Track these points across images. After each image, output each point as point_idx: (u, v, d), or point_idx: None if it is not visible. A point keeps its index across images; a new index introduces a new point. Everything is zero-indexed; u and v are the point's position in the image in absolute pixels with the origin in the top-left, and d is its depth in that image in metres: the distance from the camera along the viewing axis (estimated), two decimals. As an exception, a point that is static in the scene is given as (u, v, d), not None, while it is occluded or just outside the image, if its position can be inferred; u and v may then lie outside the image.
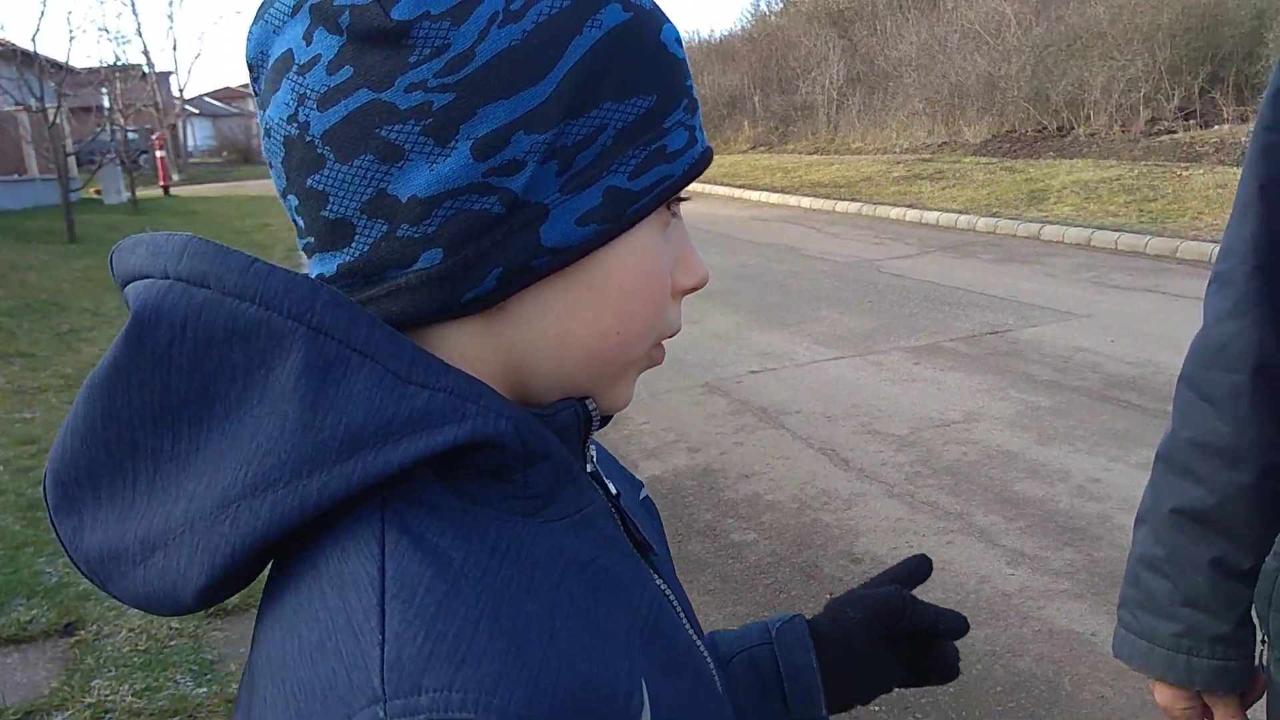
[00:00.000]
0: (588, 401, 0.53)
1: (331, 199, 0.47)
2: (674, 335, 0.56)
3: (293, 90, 0.47)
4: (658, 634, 0.51)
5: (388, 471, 0.43)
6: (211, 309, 0.43)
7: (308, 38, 0.46)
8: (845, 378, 5.49)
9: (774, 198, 14.27)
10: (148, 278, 0.45)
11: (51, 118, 12.93)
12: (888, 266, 8.59)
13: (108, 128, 18.16)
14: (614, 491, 0.58)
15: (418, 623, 0.40)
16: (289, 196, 0.49)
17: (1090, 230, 9.04)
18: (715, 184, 15.83)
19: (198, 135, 48.31)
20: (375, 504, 0.44)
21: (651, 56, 0.49)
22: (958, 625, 0.76)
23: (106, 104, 21.20)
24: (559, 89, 0.46)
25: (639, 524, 0.59)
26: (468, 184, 0.45)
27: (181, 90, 31.99)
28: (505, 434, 0.46)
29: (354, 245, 0.47)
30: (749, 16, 27.61)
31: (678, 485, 4.20)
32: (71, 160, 15.59)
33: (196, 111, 48.07)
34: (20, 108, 13.83)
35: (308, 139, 0.46)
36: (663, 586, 0.58)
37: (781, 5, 24.86)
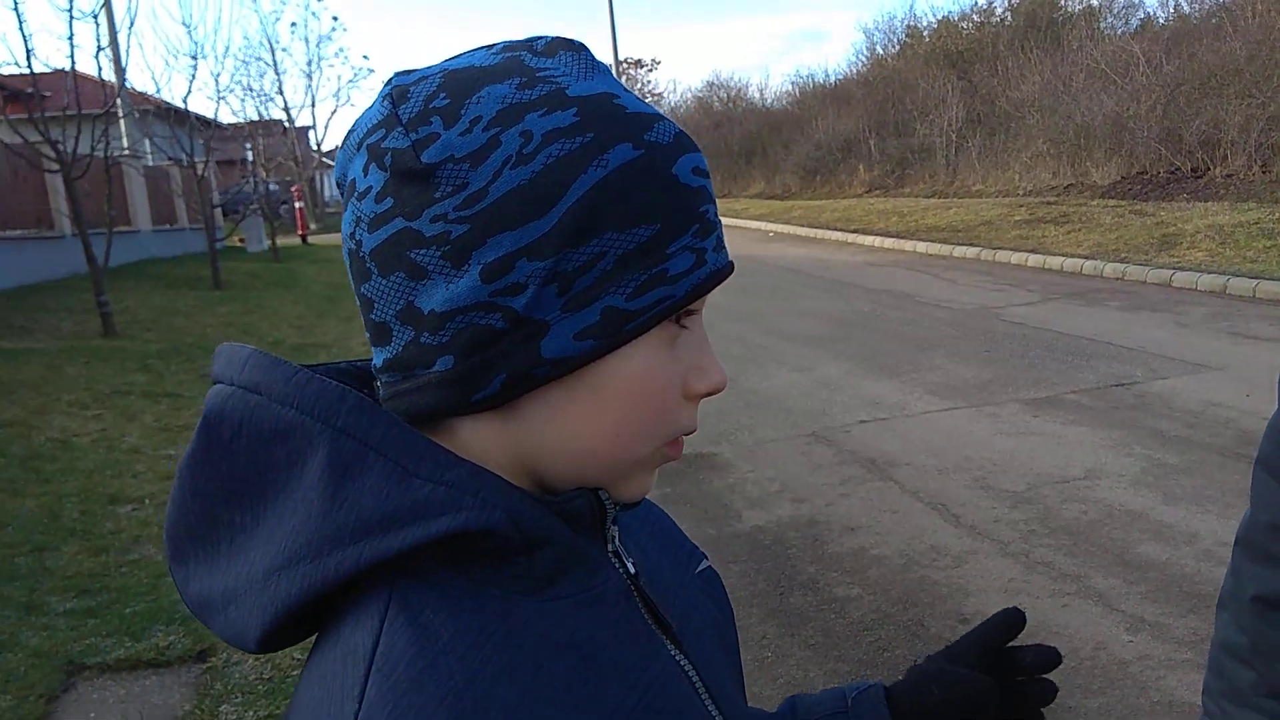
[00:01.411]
0: (601, 492, 0.58)
1: (375, 305, 0.55)
2: (689, 434, 0.60)
3: (353, 213, 0.56)
4: (653, 712, 0.55)
5: (388, 555, 0.50)
6: (260, 413, 0.53)
7: (365, 170, 0.55)
8: (959, 430, 5.37)
9: (889, 242, 14.10)
10: (221, 383, 0.55)
11: (200, 171, 13.90)
12: (1007, 314, 8.37)
13: (251, 180, 19.37)
14: (632, 571, 0.62)
15: (391, 695, 0.47)
16: (356, 297, 0.59)
17: (1226, 277, 8.61)
18: (828, 229, 15.76)
19: (331, 186, 51.12)
20: (387, 582, 0.52)
21: (659, 189, 0.54)
22: (1049, 684, 0.78)
23: (250, 158, 22.65)
24: (560, 222, 0.52)
25: (664, 600, 0.63)
26: (476, 302, 0.52)
27: (319, 144, 33.81)
28: (498, 525, 0.52)
29: (391, 345, 0.55)
30: (863, 59, 27.43)
31: (781, 536, 4.18)
32: (217, 211, 16.71)
33: (331, 164, 50.73)
34: (172, 162, 14.89)
35: (361, 254, 0.55)
36: (682, 663, 0.61)
37: (898, 48, 24.70)
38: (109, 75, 11.98)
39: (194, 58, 13.85)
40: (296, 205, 23.80)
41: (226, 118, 20.30)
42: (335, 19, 61.80)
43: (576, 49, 0.57)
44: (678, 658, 0.61)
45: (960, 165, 17.81)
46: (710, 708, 0.62)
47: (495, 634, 0.51)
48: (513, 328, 0.53)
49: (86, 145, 9.07)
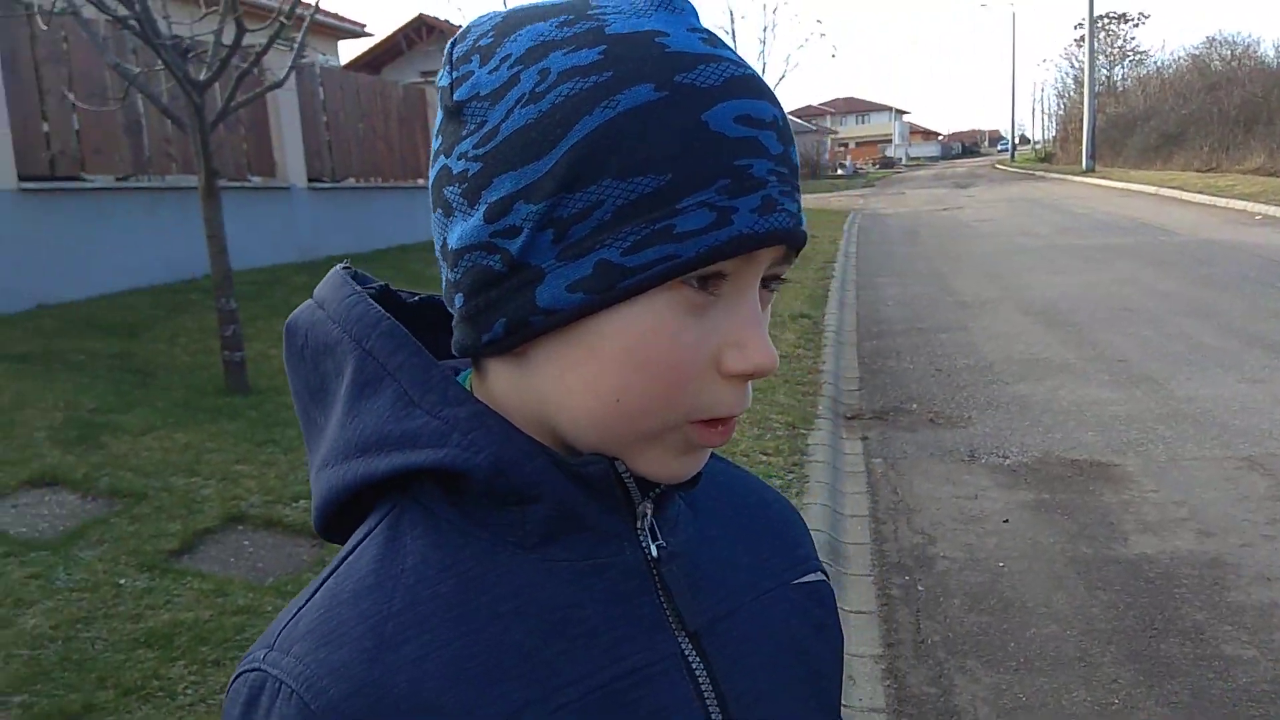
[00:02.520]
0: (617, 462, 0.54)
1: (435, 239, 0.57)
2: (729, 417, 0.54)
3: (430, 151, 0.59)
4: (623, 703, 0.53)
5: (373, 475, 0.53)
6: (319, 327, 0.58)
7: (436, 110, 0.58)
8: None
9: None
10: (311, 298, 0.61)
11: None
12: None
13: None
14: (654, 554, 0.58)
15: (330, 603, 0.52)
16: None
17: None
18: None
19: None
20: (396, 499, 0.55)
21: (675, 136, 0.49)
22: None
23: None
24: (557, 165, 0.50)
25: (696, 594, 0.59)
26: (479, 242, 0.52)
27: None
28: (476, 469, 0.52)
29: (443, 279, 0.57)
30: None
31: (1171, 571, 3.55)
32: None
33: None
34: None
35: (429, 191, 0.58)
36: (692, 662, 0.57)
37: None
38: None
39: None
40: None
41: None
42: (795, -16, 62.53)
43: None
44: (689, 655, 0.57)
45: None
46: (714, 716, 0.57)
47: (462, 574, 0.53)
48: (510, 271, 0.52)
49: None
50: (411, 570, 0.52)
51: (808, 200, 26.55)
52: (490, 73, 0.52)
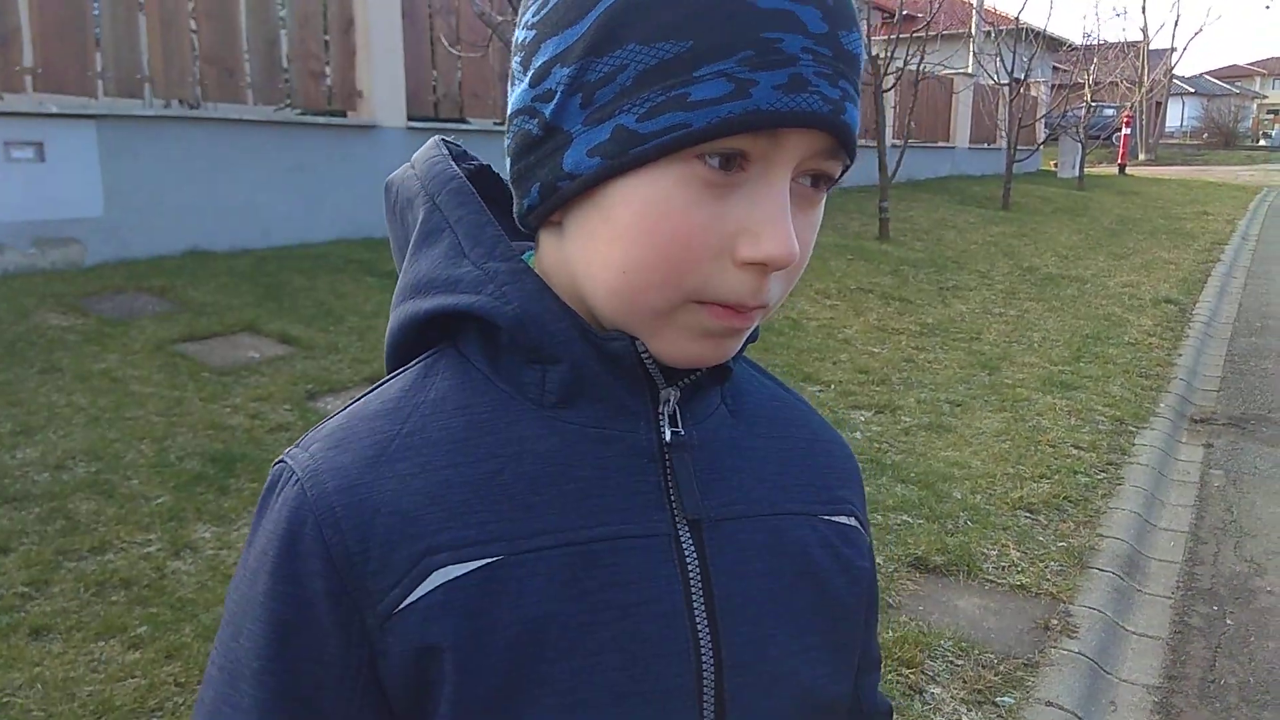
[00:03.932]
0: (637, 342, 0.55)
1: None
2: (751, 306, 0.53)
3: None
4: (598, 564, 0.54)
5: (418, 315, 0.58)
6: (408, 183, 0.63)
7: None
8: None
9: None
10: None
11: (1017, 91, 13.84)
12: None
13: (1086, 104, 18.61)
14: (667, 440, 0.58)
15: (352, 417, 0.57)
16: None
17: None
18: None
19: (1185, 114, 46.16)
20: (448, 342, 0.59)
21: (706, 4, 0.48)
22: None
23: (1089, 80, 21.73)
24: (589, 29, 0.50)
25: (701, 486, 0.59)
26: (523, 106, 0.54)
27: (1170, 69, 30.66)
28: (501, 316, 0.55)
29: None
30: None
31: None
32: (1038, 132, 16.55)
33: (1191, 90, 45.82)
34: (1004, 83, 15.03)
35: None
36: (686, 548, 0.57)
37: None
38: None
39: (1035, -27, 13.56)
40: (1124, 132, 22.26)
41: (1079, 38, 19.63)
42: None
43: None
44: (684, 540, 0.57)
45: None
46: (697, 608, 0.56)
47: (474, 415, 0.56)
48: (545, 135, 0.53)
49: (917, 63, 9.80)
50: (430, 403, 0.57)
51: (1211, 172, 23.18)
52: None
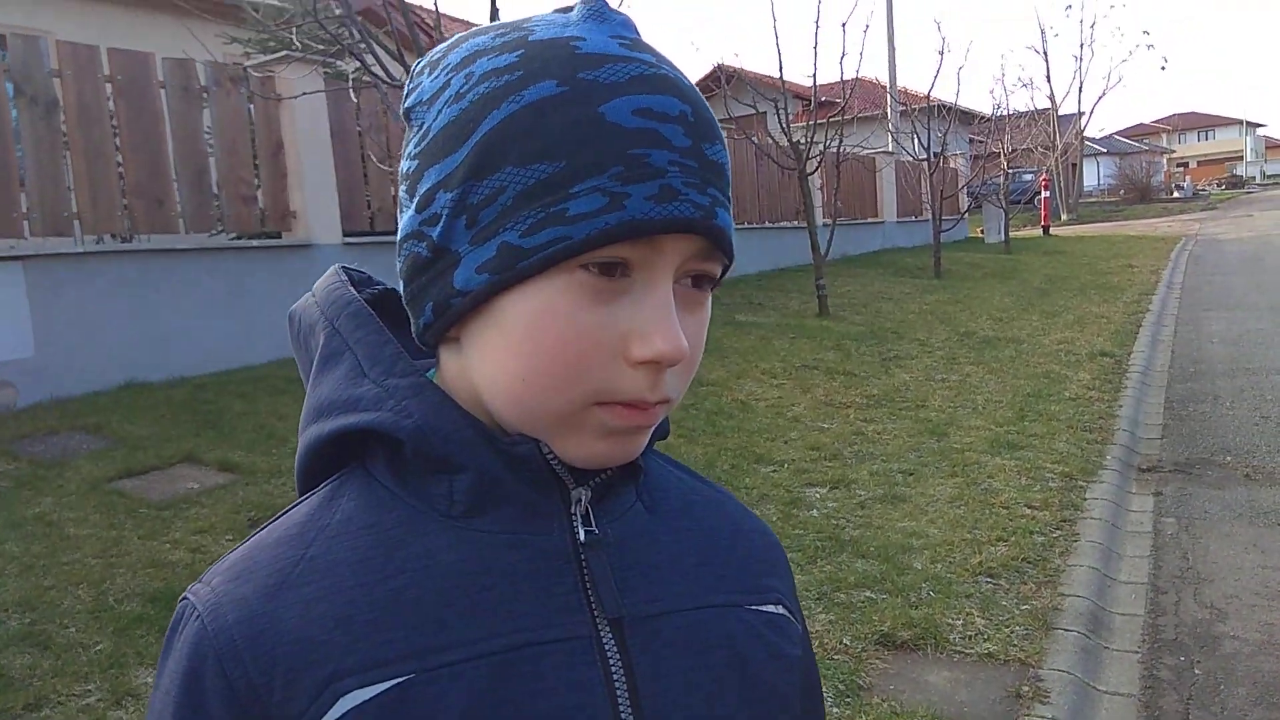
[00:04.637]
0: (542, 444, 0.56)
1: None
2: (651, 401, 0.55)
3: None
4: (516, 674, 0.54)
5: (321, 438, 0.59)
6: (308, 310, 0.65)
7: None
8: None
9: None
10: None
11: (934, 165, 14.36)
12: None
13: (1003, 171, 19.33)
14: (581, 539, 0.58)
15: (255, 546, 0.57)
16: None
17: None
18: None
19: (1101, 173, 48.17)
20: (353, 465, 0.60)
21: (571, 126, 0.52)
22: None
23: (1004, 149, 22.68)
24: (468, 155, 0.54)
25: (621, 585, 0.59)
26: (411, 231, 0.57)
27: (1080, 131, 32.14)
28: (403, 432, 0.56)
29: None
30: None
31: None
32: (961, 201, 17.10)
33: (1104, 150, 47.95)
34: (921, 159, 15.57)
35: None
36: (609, 650, 0.56)
37: None
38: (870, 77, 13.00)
39: (940, 53, 14.26)
40: (1043, 195, 23.14)
41: (987, 109, 20.58)
42: (1114, -7, 56.84)
43: (592, 3, 0.57)
44: (605, 642, 0.57)
45: None
46: (624, 711, 0.56)
47: (381, 533, 0.56)
48: (435, 257, 0.56)
49: (837, 145, 10.13)
50: (335, 524, 0.57)
51: (1132, 226, 24.13)
52: (431, 80, 0.58)
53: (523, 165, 0.52)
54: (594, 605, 0.57)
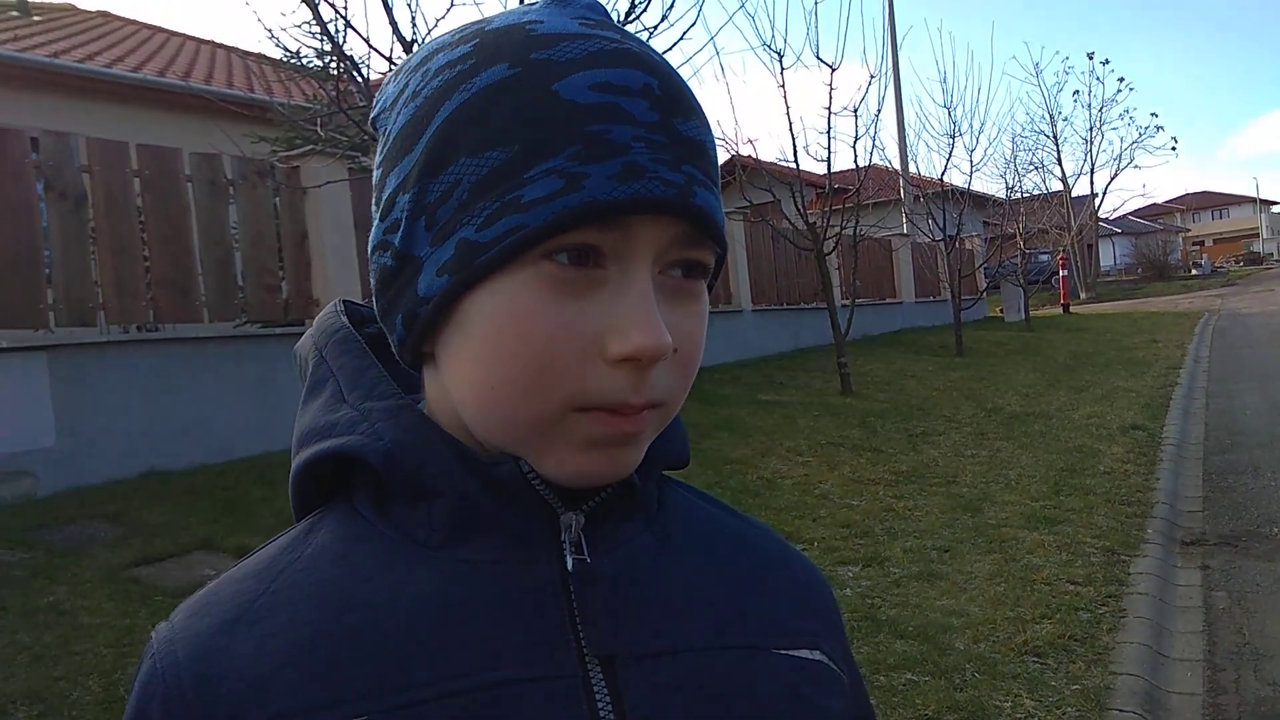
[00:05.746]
0: (522, 463, 0.52)
1: None
2: (636, 404, 0.50)
3: None
4: (485, 716, 0.49)
5: (301, 464, 0.55)
6: (305, 344, 0.62)
7: None
8: None
9: None
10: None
11: (952, 247, 14.41)
12: None
13: (1020, 251, 19.40)
14: (569, 568, 0.53)
15: (222, 581, 0.54)
16: None
17: None
18: None
19: (1117, 253, 48.31)
20: (338, 496, 0.57)
21: (522, 108, 0.48)
22: None
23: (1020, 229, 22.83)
24: (421, 153, 0.51)
25: (613, 618, 0.54)
26: (377, 241, 0.54)
27: (1094, 212, 32.36)
28: (372, 453, 0.52)
29: None
30: None
31: None
32: (979, 281, 17.13)
33: (1119, 230, 48.20)
34: (938, 240, 15.65)
35: None
36: (596, 690, 0.51)
37: None
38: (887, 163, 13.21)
39: (951, 137, 14.45)
40: (1061, 274, 23.18)
41: (1000, 193, 20.81)
42: (1121, 80, 57.73)
43: None
44: (595, 683, 0.51)
45: None
46: None
47: (352, 564, 0.52)
48: (399, 265, 0.52)
49: (853, 228, 10.22)
50: (306, 558, 0.54)
51: (1152, 303, 24.04)
52: (395, 85, 0.55)
53: (475, 155, 0.49)
54: (583, 641, 0.52)
